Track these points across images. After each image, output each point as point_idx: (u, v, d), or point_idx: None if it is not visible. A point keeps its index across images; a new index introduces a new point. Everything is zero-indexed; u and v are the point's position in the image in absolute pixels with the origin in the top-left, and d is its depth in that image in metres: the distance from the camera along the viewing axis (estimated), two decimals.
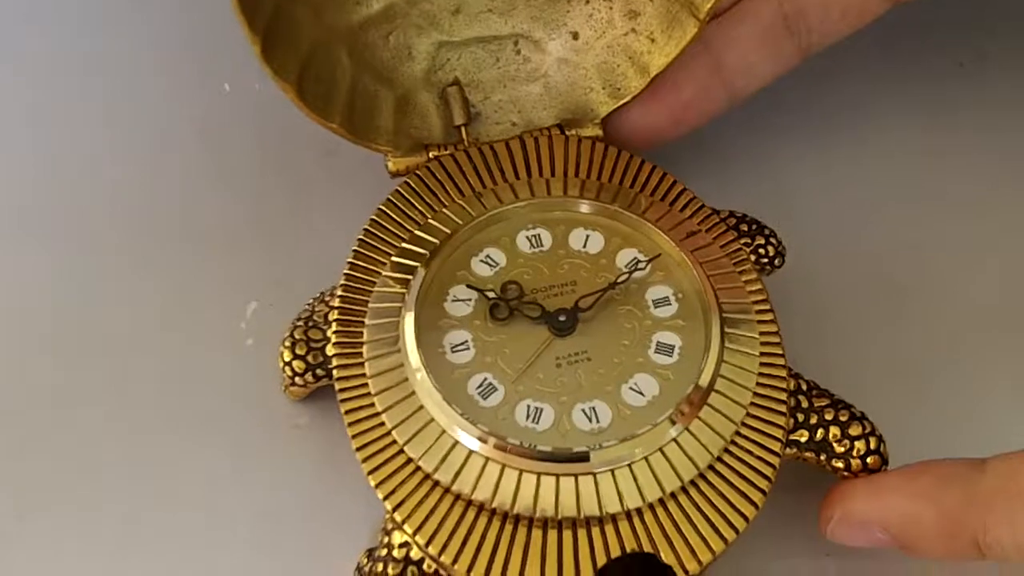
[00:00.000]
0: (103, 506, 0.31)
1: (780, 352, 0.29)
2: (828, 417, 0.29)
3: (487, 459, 0.27)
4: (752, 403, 0.28)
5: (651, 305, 0.30)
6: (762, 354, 0.29)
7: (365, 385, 0.28)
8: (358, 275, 0.30)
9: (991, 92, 0.40)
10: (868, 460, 0.29)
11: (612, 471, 0.27)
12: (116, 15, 0.42)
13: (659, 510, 0.27)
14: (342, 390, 0.28)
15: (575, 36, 0.34)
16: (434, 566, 0.27)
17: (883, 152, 0.39)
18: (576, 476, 0.27)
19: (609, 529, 0.27)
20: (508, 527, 0.27)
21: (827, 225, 0.37)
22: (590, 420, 0.28)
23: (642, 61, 0.33)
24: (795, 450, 0.29)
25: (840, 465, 0.29)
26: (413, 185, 0.32)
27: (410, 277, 0.30)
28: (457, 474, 0.27)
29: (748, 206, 0.33)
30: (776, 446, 0.28)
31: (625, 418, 0.28)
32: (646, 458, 0.27)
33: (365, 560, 0.28)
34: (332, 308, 0.30)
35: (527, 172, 0.32)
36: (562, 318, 0.29)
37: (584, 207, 0.31)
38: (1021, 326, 0.35)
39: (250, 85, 0.38)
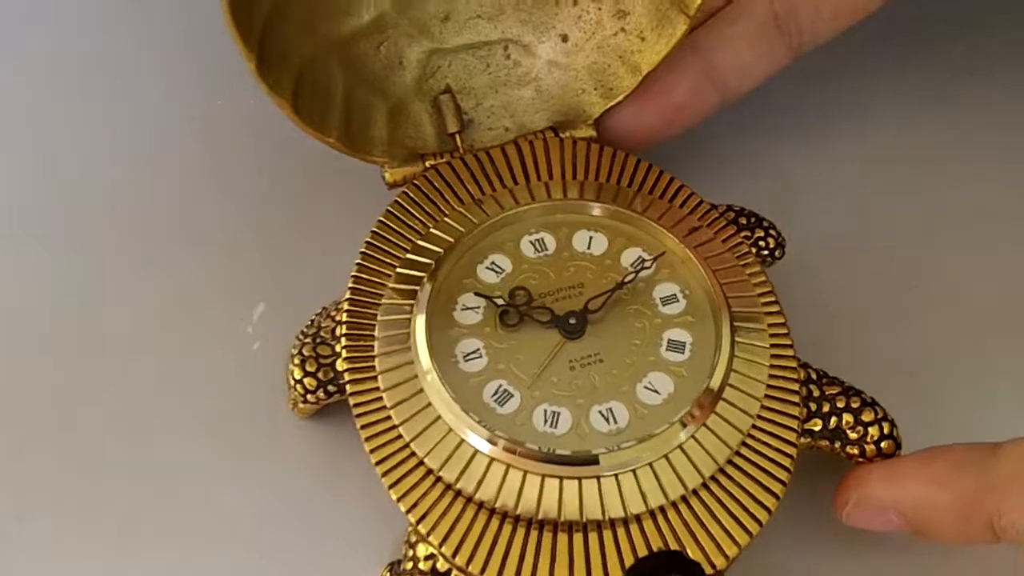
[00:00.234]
0: (103, 506, 0.31)
1: (789, 343, 0.29)
2: (840, 405, 0.30)
3: (508, 466, 0.27)
4: (766, 395, 0.28)
5: (659, 303, 0.30)
6: (772, 346, 0.29)
7: (380, 399, 0.28)
8: (363, 288, 0.30)
9: (987, 88, 0.40)
10: (882, 445, 0.29)
11: (634, 471, 0.27)
12: (116, 15, 0.42)
13: (682, 507, 0.27)
14: (356, 404, 0.28)
15: (564, 39, 0.34)
16: None
17: (880, 148, 0.39)
18: (598, 478, 0.27)
19: (634, 529, 0.27)
20: (533, 533, 0.27)
21: (825, 221, 0.37)
22: (608, 421, 0.28)
23: (633, 60, 0.33)
24: (809, 439, 0.29)
25: (855, 451, 0.29)
26: (412, 195, 0.32)
27: (417, 288, 0.29)
28: (479, 483, 0.27)
29: (746, 203, 0.33)
30: (792, 436, 0.28)
31: (643, 417, 0.28)
32: (666, 456, 0.27)
33: (388, 575, 0.28)
34: (340, 323, 0.30)
35: (525, 176, 0.32)
36: (572, 321, 0.29)
37: (585, 209, 0.31)
38: (1022, 319, 0.35)
39: (251, 86, 0.38)
